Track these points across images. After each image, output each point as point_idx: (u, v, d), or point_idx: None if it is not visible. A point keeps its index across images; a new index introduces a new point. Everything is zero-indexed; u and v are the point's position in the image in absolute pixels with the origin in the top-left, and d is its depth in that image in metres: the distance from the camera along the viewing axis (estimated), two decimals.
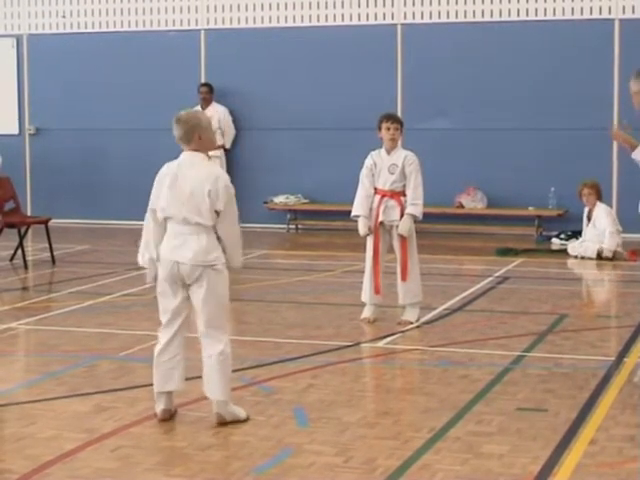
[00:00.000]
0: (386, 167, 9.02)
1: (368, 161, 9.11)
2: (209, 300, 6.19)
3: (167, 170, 6.32)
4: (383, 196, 9.03)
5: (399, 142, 9.14)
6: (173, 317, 6.29)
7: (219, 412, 6.21)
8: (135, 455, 5.65)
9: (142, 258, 6.41)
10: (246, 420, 6.25)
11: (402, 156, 9.02)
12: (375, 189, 9.06)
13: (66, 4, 17.21)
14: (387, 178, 9.02)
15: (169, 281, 6.23)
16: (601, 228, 13.01)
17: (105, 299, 10.33)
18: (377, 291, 9.12)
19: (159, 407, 6.33)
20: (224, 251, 6.24)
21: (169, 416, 6.32)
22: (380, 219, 9.03)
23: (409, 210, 8.98)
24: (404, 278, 9.06)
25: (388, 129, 9.02)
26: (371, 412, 6.54)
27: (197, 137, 6.26)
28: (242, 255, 6.38)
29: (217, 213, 6.17)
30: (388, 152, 9.06)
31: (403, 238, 9.00)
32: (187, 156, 6.31)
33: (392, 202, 9.02)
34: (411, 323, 9.00)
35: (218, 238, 6.23)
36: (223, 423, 6.18)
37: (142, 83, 16.67)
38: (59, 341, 8.49)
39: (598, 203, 13.27)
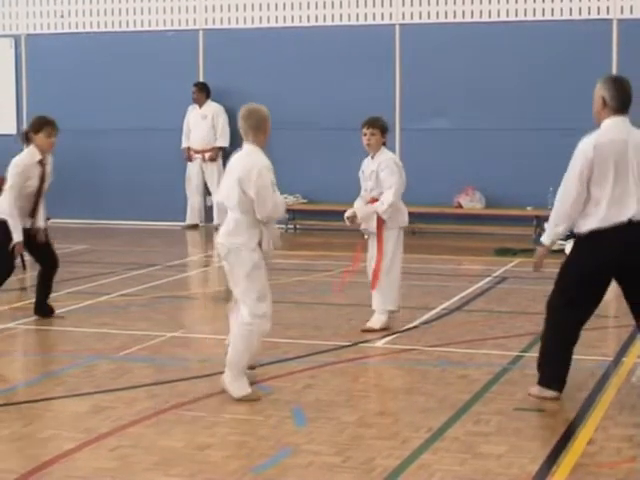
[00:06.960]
0: (368, 174, 8.82)
1: (362, 166, 8.95)
2: (232, 277, 6.77)
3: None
4: (367, 203, 8.78)
5: (382, 147, 8.79)
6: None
7: (223, 380, 6.69)
8: (133, 455, 5.66)
9: None
10: (257, 399, 6.60)
11: (378, 162, 8.73)
12: None
13: (64, 4, 17.22)
14: (367, 185, 8.81)
15: None
16: None
17: (104, 299, 10.33)
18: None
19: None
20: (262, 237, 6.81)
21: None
22: (362, 226, 8.84)
23: (375, 206, 8.65)
24: (373, 287, 8.78)
25: (364, 134, 8.80)
26: (369, 412, 6.54)
27: (265, 128, 6.73)
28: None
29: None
30: (372, 157, 8.82)
31: (379, 248, 8.70)
32: (244, 147, 6.78)
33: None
34: (374, 330, 8.72)
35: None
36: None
37: (140, 83, 16.65)
38: (57, 341, 8.49)
39: None
